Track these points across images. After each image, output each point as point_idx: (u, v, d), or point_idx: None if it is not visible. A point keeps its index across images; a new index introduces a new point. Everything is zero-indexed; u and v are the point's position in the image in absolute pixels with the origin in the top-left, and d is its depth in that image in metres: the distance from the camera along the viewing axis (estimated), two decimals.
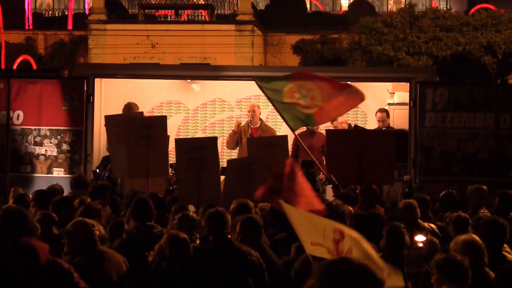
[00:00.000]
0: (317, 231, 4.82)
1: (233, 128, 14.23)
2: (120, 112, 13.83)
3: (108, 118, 11.99)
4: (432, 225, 8.32)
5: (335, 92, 11.32)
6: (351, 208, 8.47)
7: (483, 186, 9.94)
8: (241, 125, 14.21)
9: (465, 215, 8.07)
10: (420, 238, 5.33)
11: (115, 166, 11.49)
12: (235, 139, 13.99)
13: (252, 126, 13.94)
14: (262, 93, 15.05)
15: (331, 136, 11.81)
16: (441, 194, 9.86)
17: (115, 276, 6.42)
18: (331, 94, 11.34)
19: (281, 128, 14.96)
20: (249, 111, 14.10)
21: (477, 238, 6.10)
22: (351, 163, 10.65)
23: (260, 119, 14.22)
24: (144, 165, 10.57)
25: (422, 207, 8.68)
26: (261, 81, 11.62)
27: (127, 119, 11.56)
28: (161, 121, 11.32)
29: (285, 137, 11.48)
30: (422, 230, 7.92)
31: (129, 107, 13.87)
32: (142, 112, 12.58)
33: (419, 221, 8.31)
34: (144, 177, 10.62)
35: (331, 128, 13.78)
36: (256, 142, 11.76)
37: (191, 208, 9.41)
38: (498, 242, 6.68)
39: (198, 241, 7.11)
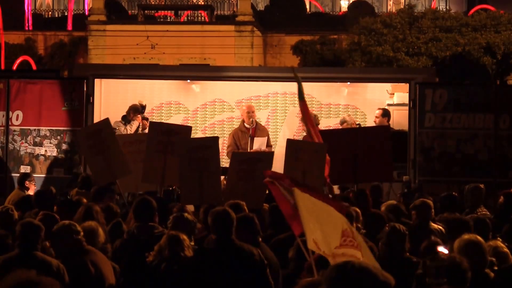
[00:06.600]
0: (329, 221, 4.93)
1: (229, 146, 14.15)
2: (119, 113, 13.85)
3: (80, 132, 11.86)
4: (440, 227, 8.27)
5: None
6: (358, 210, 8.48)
7: (481, 185, 9.93)
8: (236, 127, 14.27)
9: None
10: (443, 250, 5.31)
11: (96, 177, 10.98)
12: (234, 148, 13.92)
13: (249, 126, 13.91)
14: (261, 94, 15.24)
15: (323, 137, 11.74)
16: (442, 195, 9.85)
17: (103, 277, 6.41)
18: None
19: (281, 129, 15.01)
20: (249, 112, 14.07)
21: (479, 238, 6.07)
22: (345, 162, 10.56)
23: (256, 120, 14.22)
24: (161, 171, 10.47)
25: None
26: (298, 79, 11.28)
27: (150, 126, 11.51)
28: (186, 130, 11.25)
29: (271, 154, 10.92)
30: (430, 232, 7.91)
31: (135, 109, 13.93)
32: (107, 118, 11.90)
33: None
34: (159, 183, 10.58)
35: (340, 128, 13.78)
36: (240, 157, 11.46)
37: (190, 208, 9.41)
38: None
39: (193, 243, 7.03)
